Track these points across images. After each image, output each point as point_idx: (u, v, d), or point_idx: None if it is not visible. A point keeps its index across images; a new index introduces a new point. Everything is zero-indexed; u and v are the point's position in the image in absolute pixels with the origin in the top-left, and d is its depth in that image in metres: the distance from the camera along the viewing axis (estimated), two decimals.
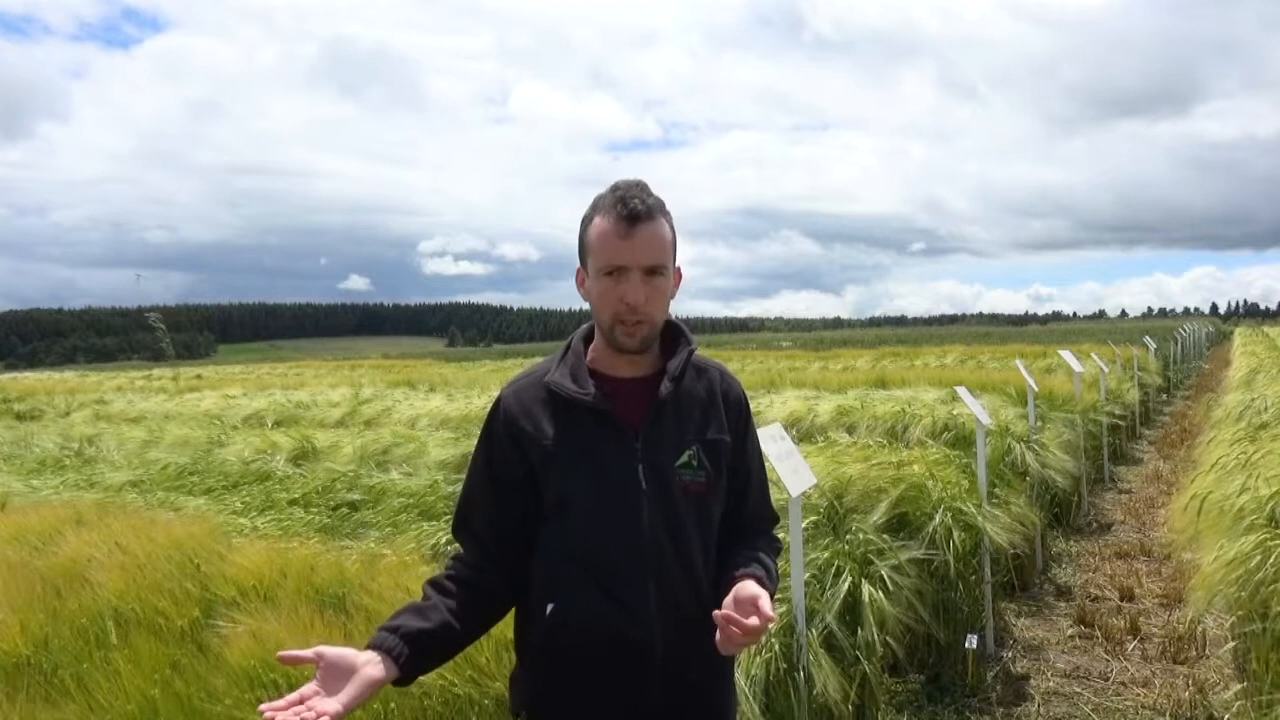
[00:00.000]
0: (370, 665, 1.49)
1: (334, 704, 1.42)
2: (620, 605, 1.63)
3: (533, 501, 1.68)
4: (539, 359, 1.84)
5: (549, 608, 1.66)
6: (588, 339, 1.76)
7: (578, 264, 1.72)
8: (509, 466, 1.68)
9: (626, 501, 1.64)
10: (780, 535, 3.83)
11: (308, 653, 1.46)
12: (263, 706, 1.39)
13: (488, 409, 1.77)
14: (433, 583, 1.70)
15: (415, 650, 1.57)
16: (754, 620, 1.50)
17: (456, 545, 1.79)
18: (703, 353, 1.83)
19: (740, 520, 1.78)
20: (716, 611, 1.52)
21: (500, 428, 1.70)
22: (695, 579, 1.67)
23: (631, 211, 1.61)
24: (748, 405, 1.82)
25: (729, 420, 1.76)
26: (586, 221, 1.67)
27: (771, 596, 1.70)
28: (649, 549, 1.64)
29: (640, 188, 1.64)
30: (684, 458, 1.68)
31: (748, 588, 1.57)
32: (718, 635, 1.53)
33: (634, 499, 1.64)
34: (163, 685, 2.50)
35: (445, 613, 1.63)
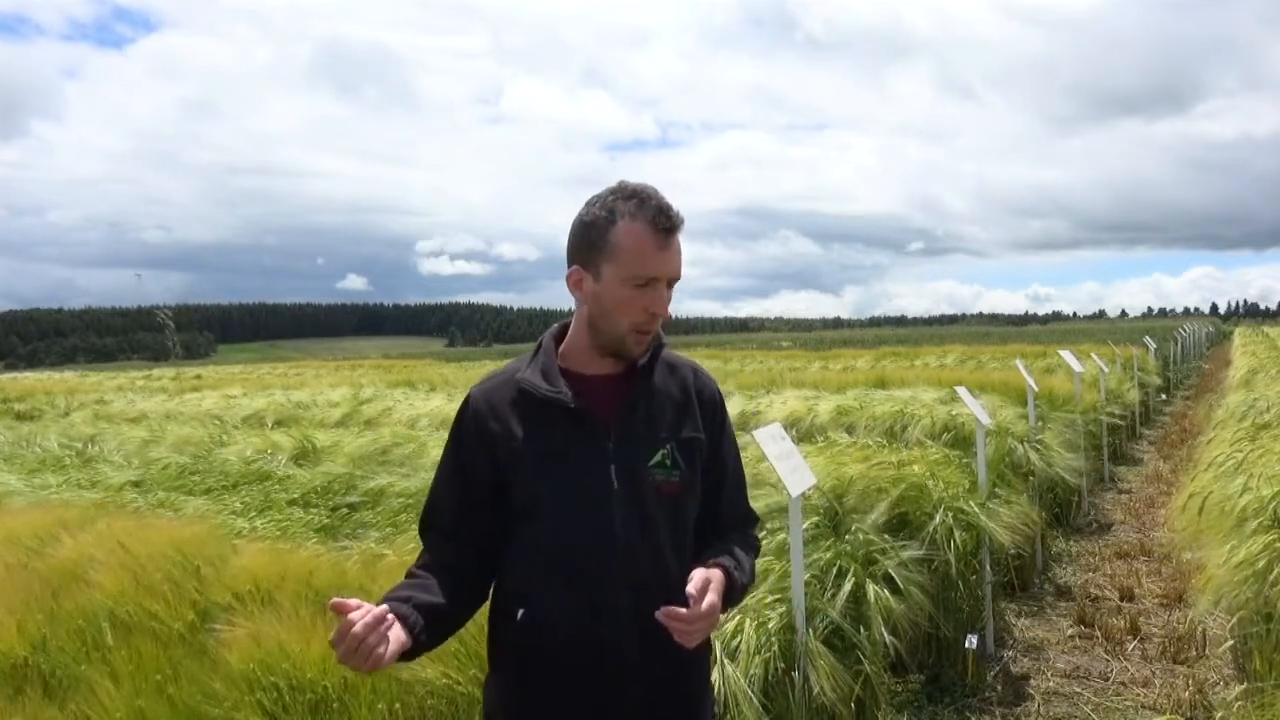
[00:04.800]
0: (398, 630, 1.49)
1: (388, 651, 1.45)
2: (592, 607, 1.61)
3: (502, 503, 1.66)
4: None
5: (519, 612, 1.64)
6: (559, 338, 1.74)
7: (572, 264, 1.66)
8: (478, 468, 1.66)
9: (598, 503, 1.62)
10: (781, 535, 3.83)
11: (353, 603, 1.44)
12: (334, 603, 1.42)
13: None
14: (421, 567, 1.69)
15: (428, 623, 1.57)
16: (696, 609, 1.50)
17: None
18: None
19: (716, 519, 1.77)
20: (658, 611, 1.50)
21: (469, 429, 1.68)
22: (669, 579, 1.64)
23: (672, 223, 1.60)
24: (723, 403, 1.81)
25: (703, 418, 1.74)
26: (606, 224, 1.60)
27: (744, 588, 1.72)
28: (621, 550, 1.62)
29: (663, 195, 1.62)
30: (657, 457, 1.66)
31: (692, 579, 1.55)
32: (672, 634, 1.52)
33: (605, 500, 1.62)
34: (160, 688, 2.49)
35: (443, 592, 1.62)
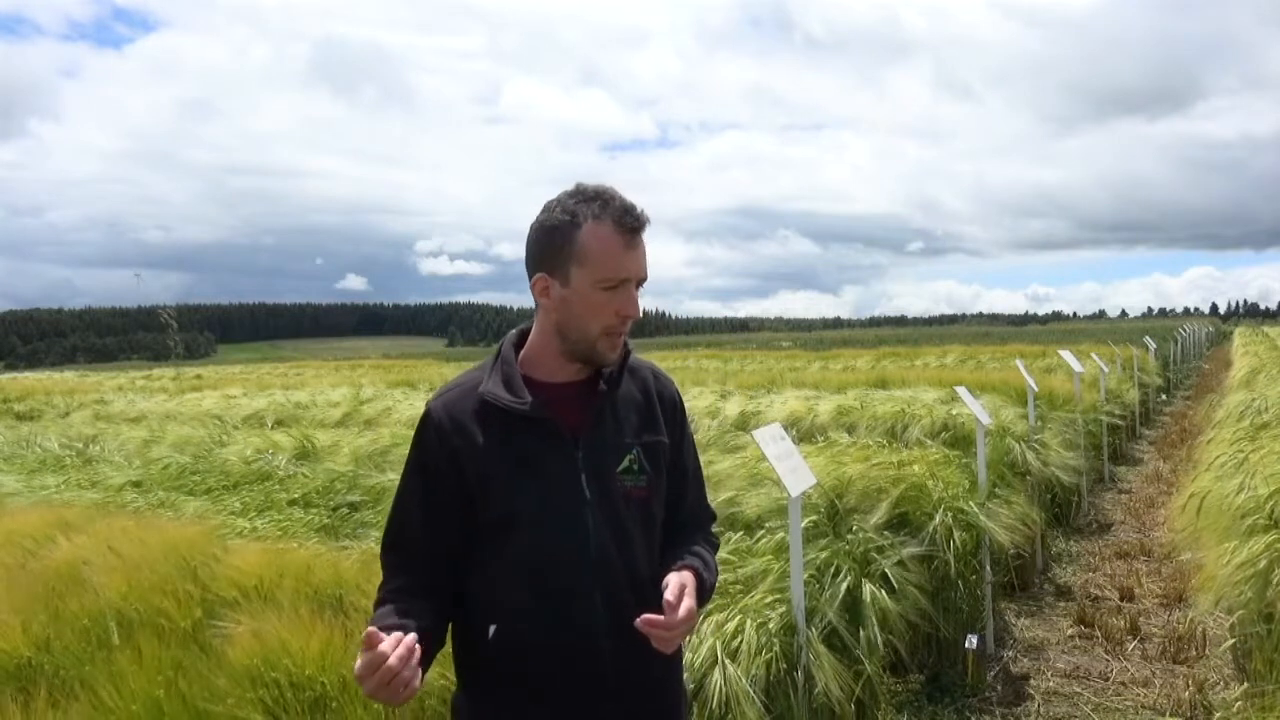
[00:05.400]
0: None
1: (419, 681, 1.43)
2: (568, 621, 1.59)
3: (469, 519, 1.61)
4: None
5: (491, 629, 1.60)
6: (518, 345, 1.70)
7: (537, 271, 1.61)
8: (445, 484, 1.60)
9: (572, 514, 1.60)
10: (780, 534, 3.84)
11: (381, 634, 1.41)
12: (369, 633, 1.39)
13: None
14: (395, 590, 1.62)
15: (424, 649, 1.52)
16: (674, 616, 1.51)
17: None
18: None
19: (678, 521, 1.76)
20: (637, 620, 1.50)
21: (433, 444, 1.62)
22: (641, 585, 1.64)
23: (638, 222, 1.59)
24: (683, 405, 1.80)
25: (665, 421, 1.73)
26: (571, 227, 1.57)
27: (713, 587, 1.73)
28: (596, 561, 1.60)
29: (624, 195, 1.61)
30: (625, 462, 1.65)
31: (668, 586, 1.55)
32: (652, 641, 1.52)
33: (579, 511, 1.60)
34: (166, 686, 2.50)
35: (428, 615, 1.58)
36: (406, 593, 1.60)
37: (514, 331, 1.73)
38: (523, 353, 1.68)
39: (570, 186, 1.63)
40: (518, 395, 1.60)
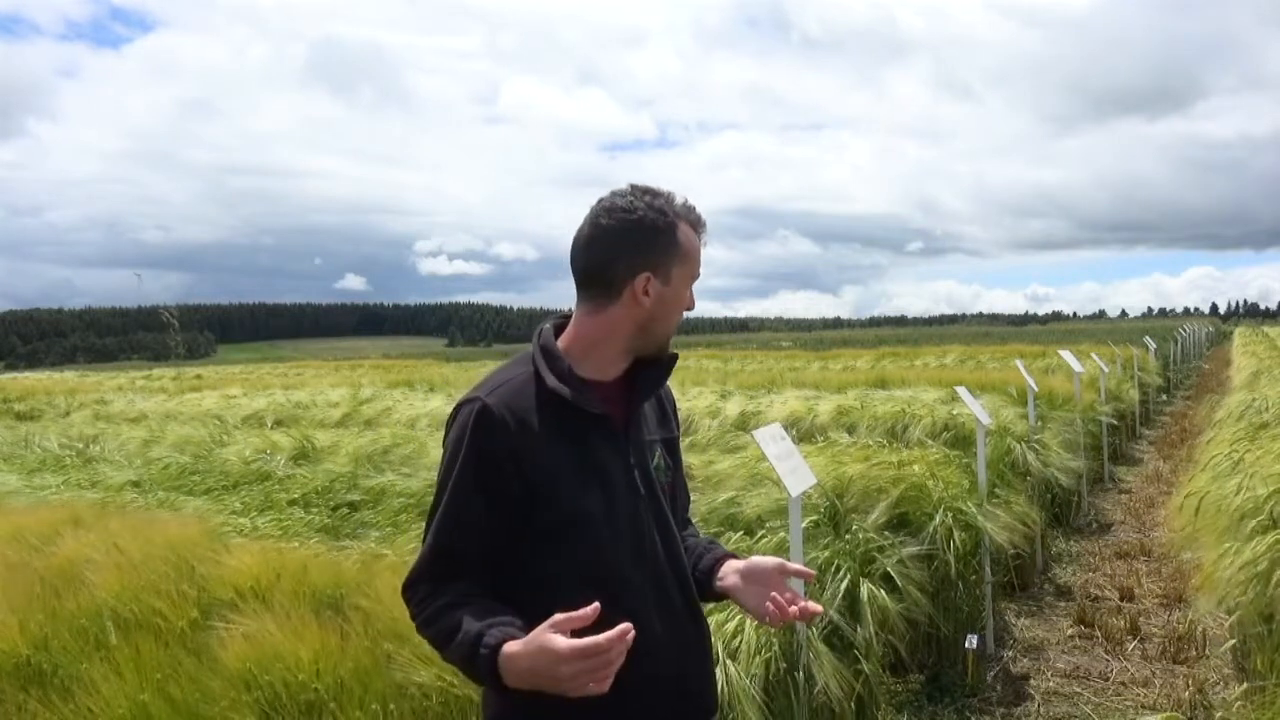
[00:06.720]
0: None
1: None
2: (624, 618, 1.50)
3: (525, 519, 1.55)
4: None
5: None
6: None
7: (641, 270, 1.58)
8: (505, 485, 1.53)
9: (632, 510, 1.61)
10: (781, 534, 3.84)
11: (588, 612, 1.38)
12: (569, 617, 1.37)
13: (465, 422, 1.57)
14: (460, 596, 1.53)
15: None
16: (804, 605, 1.61)
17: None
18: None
19: (677, 511, 1.81)
20: (775, 596, 1.60)
21: (493, 442, 1.53)
22: (683, 578, 1.68)
23: (702, 221, 1.66)
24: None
25: (670, 417, 1.79)
26: (670, 227, 1.59)
27: None
28: (649, 557, 1.62)
29: None
30: (655, 459, 1.69)
31: (763, 565, 1.66)
32: (774, 610, 1.60)
33: (637, 507, 1.62)
34: (156, 689, 2.49)
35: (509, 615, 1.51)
36: (474, 596, 1.53)
37: (549, 326, 1.68)
38: (563, 349, 1.64)
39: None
40: (582, 392, 1.58)
